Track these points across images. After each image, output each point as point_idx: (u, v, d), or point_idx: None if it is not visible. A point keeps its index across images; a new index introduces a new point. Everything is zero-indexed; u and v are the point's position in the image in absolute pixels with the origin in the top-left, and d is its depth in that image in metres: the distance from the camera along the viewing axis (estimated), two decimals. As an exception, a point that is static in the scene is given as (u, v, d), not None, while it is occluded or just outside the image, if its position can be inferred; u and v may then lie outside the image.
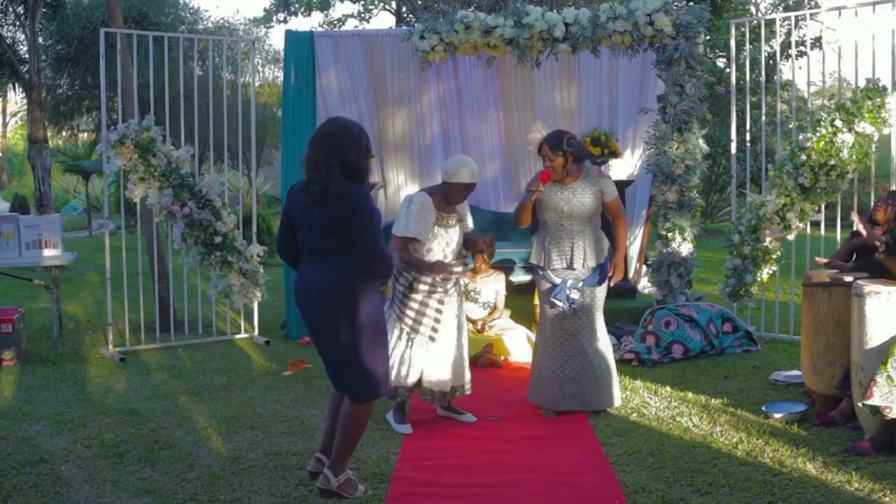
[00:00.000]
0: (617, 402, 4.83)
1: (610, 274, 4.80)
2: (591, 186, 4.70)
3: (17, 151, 33.82)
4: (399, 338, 4.52)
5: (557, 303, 4.66)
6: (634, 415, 4.74)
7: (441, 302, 4.51)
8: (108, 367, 6.13)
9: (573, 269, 4.68)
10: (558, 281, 4.69)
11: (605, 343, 4.82)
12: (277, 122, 19.87)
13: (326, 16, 18.34)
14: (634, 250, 7.91)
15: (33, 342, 6.89)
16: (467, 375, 4.71)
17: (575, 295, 4.64)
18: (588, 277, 4.70)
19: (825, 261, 5.17)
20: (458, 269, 4.51)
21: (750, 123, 7.31)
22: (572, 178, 4.70)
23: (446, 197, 4.48)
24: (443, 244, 4.49)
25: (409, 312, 4.48)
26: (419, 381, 4.57)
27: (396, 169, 8.25)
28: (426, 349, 4.51)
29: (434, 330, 4.50)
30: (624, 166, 7.87)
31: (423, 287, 4.47)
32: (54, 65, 17.17)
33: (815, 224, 6.70)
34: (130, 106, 6.98)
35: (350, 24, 18.51)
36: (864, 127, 5.99)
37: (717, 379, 5.50)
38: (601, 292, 4.77)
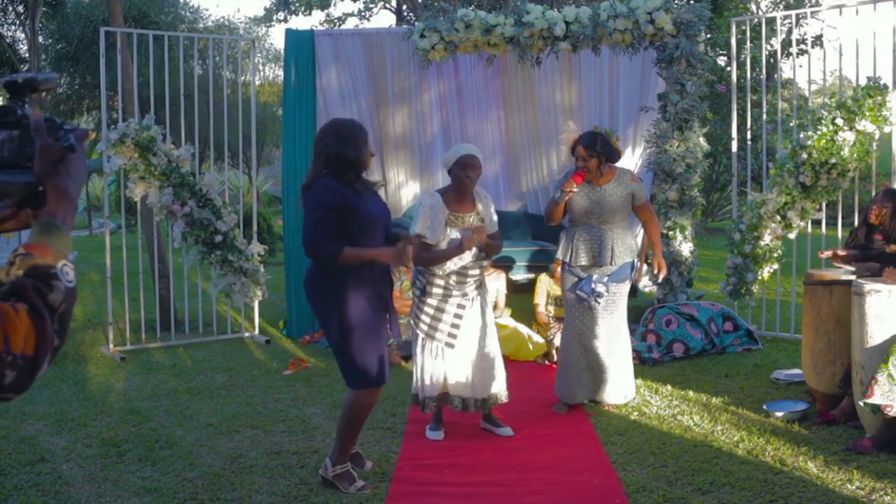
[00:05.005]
0: (628, 397, 4.88)
1: (656, 271, 4.89)
2: (623, 189, 4.74)
3: (18, 150, 33.81)
4: (419, 346, 4.34)
5: (582, 295, 4.70)
6: (635, 413, 4.74)
7: (461, 307, 4.30)
8: (108, 366, 6.13)
9: (600, 267, 4.71)
10: (584, 275, 4.74)
11: (624, 339, 4.87)
12: (278, 121, 19.88)
13: (327, 14, 18.35)
14: (636, 248, 7.91)
15: (34, 341, 6.88)
16: (497, 385, 4.43)
17: (600, 288, 4.67)
18: (614, 273, 4.72)
19: (829, 254, 5.16)
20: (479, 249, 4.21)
21: (751, 122, 7.30)
22: (605, 179, 4.74)
23: (457, 188, 4.27)
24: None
25: (424, 318, 4.31)
26: (446, 391, 4.37)
27: (397, 167, 8.24)
28: (445, 357, 4.32)
29: (452, 336, 4.29)
30: (625, 165, 7.85)
31: (436, 291, 4.27)
32: (54, 64, 17.17)
33: (816, 222, 6.69)
34: (131, 105, 6.97)
35: (350, 23, 18.52)
36: (865, 125, 5.98)
37: (717, 378, 5.50)
38: (624, 289, 4.80)
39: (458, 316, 4.30)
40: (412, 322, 4.38)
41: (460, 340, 4.31)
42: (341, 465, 3.64)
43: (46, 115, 1.31)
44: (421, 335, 4.33)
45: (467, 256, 4.26)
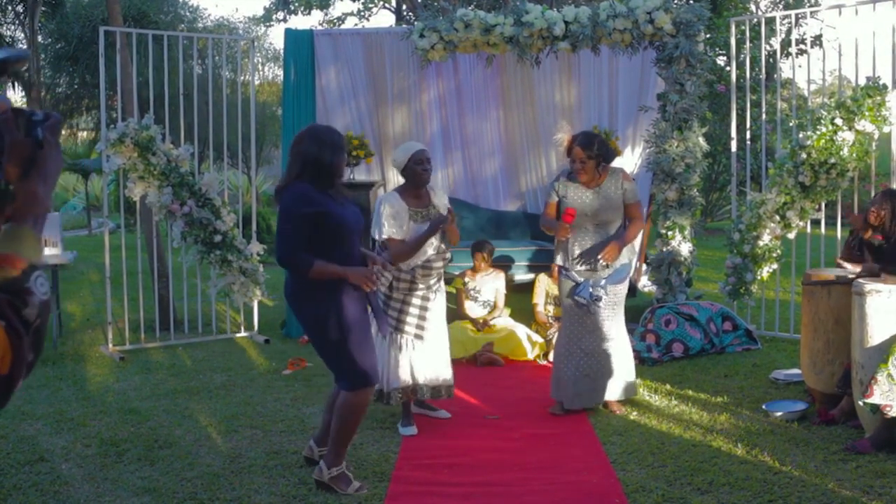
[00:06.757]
0: (631, 392, 4.85)
1: (601, 253, 4.71)
2: (617, 188, 4.70)
3: (17, 150, 33.74)
4: (385, 340, 4.43)
5: (580, 300, 4.65)
6: (634, 413, 4.74)
7: (426, 299, 4.44)
8: (107, 365, 6.13)
9: (597, 269, 4.67)
10: (581, 279, 4.69)
11: (623, 340, 4.84)
12: (277, 121, 19.87)
13: (326, 14, 18.36)
14: (634, 249, 7.91)
15: (33, 341, 6.87)
16: (449, 375, 4.61)
17: (599, 292, 4.64)
18: (611, 275, 4.70)
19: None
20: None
21: (750, 122, 7.32)
22: (600, 180, 4.69)
23: (413, 184, 4.40)
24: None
25: (391, 313, 4.41)
26: (414, 382, 4.47)
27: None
28: (414, 348, 4.44)
29: (420, 328, 4.43)
30: (624, 164, 7.85)
31: (402, 286, 4.39)
32: (54, 63, 17.17)
33: (816, 222, 6.70)
34: (130, 104, 6.96)
35: (350, 23, 18.53)
36: (864, 125, 5.98)
37: (717, 377, 5.50)
38: (622, 290, 4.77)
39: (424, 308, 4.43)
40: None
41: (427, 332, 4.44)
42: (337, 468, 3.63)
43: (14, 106, 1.22)
44: (390, 330, 4.41)
45: (430, 250, 4.38)
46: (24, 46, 14.73)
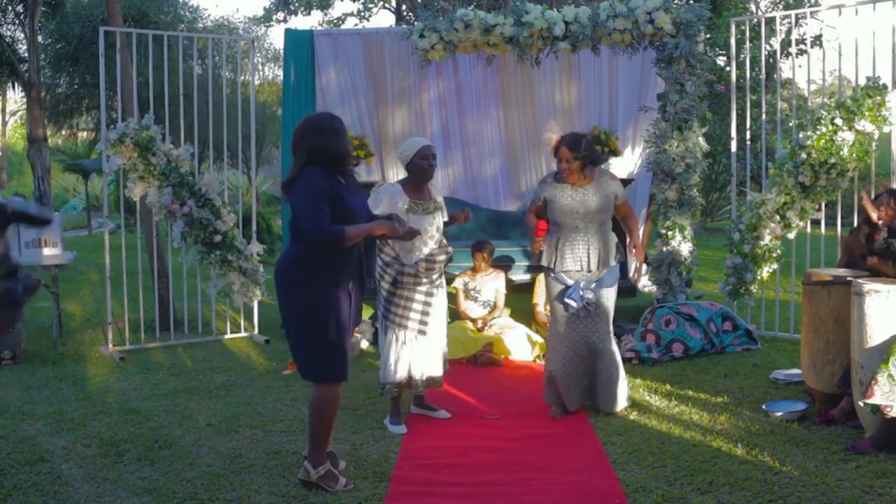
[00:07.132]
0: (623, 403, 4.79)
1: (634, 254, 4.88)
2: (605, 189, 4.67)
3: (17, 150, 33.81)
4: (386, 334, 4.51)
5: (571, 303, 4.61)
6: (635, 413, 4.73)
7: (429, 294, 4.49)
8: (107, 366, 6.13)
9: (589, 272, 4.65)
10: (570, 282, 4.66)
11: (613, 343, 4.81)
12: (277, 121, 19.87)
13: (326, 14, 18.39)
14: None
15: (33, 341, 6.88)
16: (441, 368, 4.67)
17: (589, 295, 4.61)
18: (602, 278, 4.68)
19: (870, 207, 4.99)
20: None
21: (750, 122, 7.31)
22: (586, 181, 4.66)
23: (417, 178, 4.47)
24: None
25: (394, 309, 4.45)
26: (409, 377, 4.55)
27: (396, 167, 8.25)
28: (417, 344, 4.49)
29: (423, 323, 4.48)
30: (624, 164, 7.87)
31: (407, 280, 4.43)
32: (54, 63, 17.17)
33: (816, 222, 6.70)
34: (130, 105, 6.97)
35: (350, 23, 18.56)
36: (864, 125, 5.98)
37: (717, 377, 5.50)
38: (613, 293, 4.75)
39: (427, 303, 4.49)
40: (381, 313, 4.52)
41: (430, 327, 4.50)
42: (322, 466, 3.64)
43: (5, 254, 1.20)
44: (393, 325, 4.47)
45: (432, 243, 4.47)
46: (24, 46, 14.72)
